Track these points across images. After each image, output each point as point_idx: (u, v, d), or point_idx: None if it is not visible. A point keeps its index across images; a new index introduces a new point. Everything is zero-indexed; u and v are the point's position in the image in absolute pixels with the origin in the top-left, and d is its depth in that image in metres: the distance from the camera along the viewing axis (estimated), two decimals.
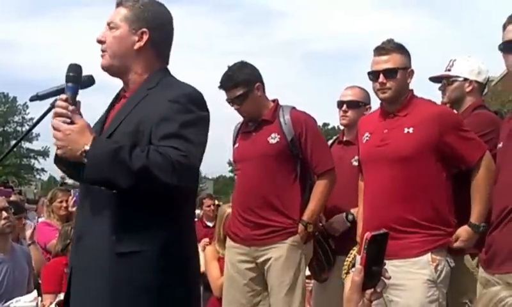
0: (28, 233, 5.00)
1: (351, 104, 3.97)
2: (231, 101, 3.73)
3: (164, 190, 2.14)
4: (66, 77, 2.26)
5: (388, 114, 3.21)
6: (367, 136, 3.27)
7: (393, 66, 3.15)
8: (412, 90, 3.24)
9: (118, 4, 2.39)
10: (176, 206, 2.26)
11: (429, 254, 3.00)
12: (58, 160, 2.37)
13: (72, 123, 2.16)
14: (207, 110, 2.32)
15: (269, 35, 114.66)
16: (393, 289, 2.96)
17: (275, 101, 3.83)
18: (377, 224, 3.00)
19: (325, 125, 58.75)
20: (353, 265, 3.40)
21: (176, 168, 2.09)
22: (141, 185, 2.10)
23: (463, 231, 3.07)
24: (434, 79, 3.58)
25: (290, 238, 3.62)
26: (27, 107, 61.70)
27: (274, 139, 3.68)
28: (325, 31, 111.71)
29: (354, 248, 3.48)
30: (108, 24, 2.37)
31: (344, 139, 4.07)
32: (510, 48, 2.68)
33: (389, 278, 1.52)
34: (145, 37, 2.34)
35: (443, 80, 3.52)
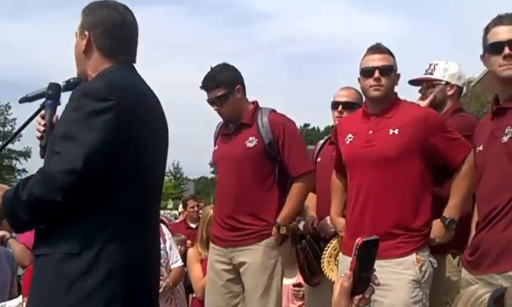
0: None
1: (347, 105, 3.94)
2: (211, 101, 3.77)
3: (57, 206, 2.11)
4: (46, 95, 2.44)
5: (371, 115, 3.22)
6: (350, 137, 3.27)
7: (389, 63, 3.19)
8: (396, 93, 3.28)
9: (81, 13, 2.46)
10: (92, 211, 2.18)
11: (414, 254, 3.02)
12: None
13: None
14: (109, 100, 2.16)
15: (253, 37, 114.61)
16: (377, 289, 2.98)
17: (255, 103, 3.87)
18: (362, 226, 3.06)
19: (306, 125, 58.97)
20: (335, 256, 3.45)
21: (58, 179, 2.10)
22: (35, 214, 2.18)
23: (434, 224, 3.11)
24: (414, 82, 3.62)
25: (264, 241, 3.65)
26: (9, 107, 61.03)
27: (251, 142, 3.70)
28: (307, 33, 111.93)
29: (334, 239, 3.53)
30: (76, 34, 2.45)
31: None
32: (496, 49, 2.68)
33: (378, 284, 1.54)
34: (85, 39, 2.38)
35: (423, 84, 3.57)
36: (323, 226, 3.82)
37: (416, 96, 3.65)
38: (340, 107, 3.93)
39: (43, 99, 2.39)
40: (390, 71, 3.18)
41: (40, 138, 2.43)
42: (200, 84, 3.79)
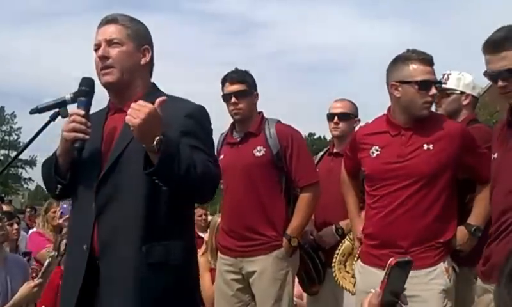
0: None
1: (342, 116, 4.04)
2: (231, 94, 3.78)
3: (205, 198, 2.45)
4: (78, 91, 2.33)
5: (401, 128, 3.11)
6: (376, 150, 3.15)
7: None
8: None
9: (112, 21, 2.44)
10: (189, 218, 2.43)
11: (442, 263, 3.00)
12: (56, 170, 2.39)
13: (83, 142, 2.29)
14: (211, 125, 2.46)
15: (252, 46, 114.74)
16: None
17: (260, 113, 3.90)
18: (391, 237, 3.03)
19: (311, 134, 58.88)
20: (344, 263, 3.42)
21: (214, 175, 2.30)
22: (198, 190, 2.25)
23: (458, 231, 3.08)
24: None
25: (275, 252, 3.66)
26: (14, 116, 61.49)
27: (259, 151, 3.72)
28: (308, 42, 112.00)
29: (341, 245, 3.51)
30: (109, 41, 2.40)
31: (334, 150, 4.11)
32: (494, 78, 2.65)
33: (406, 304, 1.54)
34: (148, 54, 2.47)
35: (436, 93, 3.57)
36: (323, 236, 3.85)
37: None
38: (335, 119, 4.04)
39: (53, 110, 2.39)
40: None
41: (77, 140, 2.30)
42: (224, 76, 3.85)
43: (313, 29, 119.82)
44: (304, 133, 23.06)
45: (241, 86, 3.79)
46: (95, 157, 2.35)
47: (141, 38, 2.45)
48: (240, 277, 3.75)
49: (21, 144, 48.98)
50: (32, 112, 2.42)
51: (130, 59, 2.40)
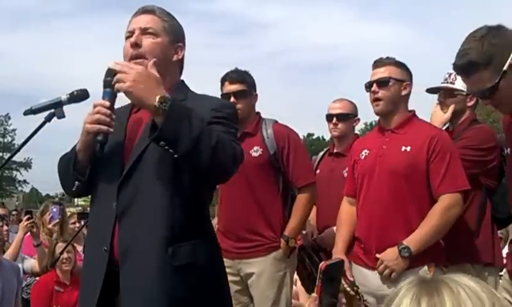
0: (10, 250, 4.95)
1: (341, 117, 4.05)
2: (230, 94, 3.74)
3: (226, 172, 2.18)
4: (103, 82, 2.19)
5: (385, 130, 3.25)
6: (365, 152, 3.29)
7: (387, 75, 3.19)
8: (413, 110, 3.28)
9: (149, 12, 2.36)
10: (208, 216, 2.34)
11: (426, 266, 3.02)
12: (75, 167, 2.28)
13: (106, 135, 2.16)
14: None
15: (252, 46, 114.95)
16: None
17: (258, 114, 3.88)
18: (369, 236, 3.12)
19: (309, 135, 58.99)
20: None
21: (236, 152, 2.15)
22: (213, 161, 2.04)
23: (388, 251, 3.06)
24: (433, 90, 3.60)
25: (272, 253, 3.64)
26: (9, 118, 61.32)
27: (256, 152, 3.70)
28: (307, 42, 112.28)
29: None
30: (144, 30, 2.31)
31: (335, 151, 4.11)
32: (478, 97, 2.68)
33: (344, 304, 1.60)
34: (181, 51, 2.40)
35: (441, 92, 3.55)
36: (324, 238, 3.85)
37: (430, 103, 3.65)
38: (334, 119, 4.05)
39: (48, 111, 2.32)
40: (386, 83, 3.19)
41: (100, 132, 2.16)
42: (223, 76, 3.82)
43: (313, 29, 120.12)
44: (303, 133, 23.16)
45: (240, 86, 3.77)
46: (117, 154, 2.24)
47: (176, 34, 2.38)
48: (238, 279, 3.72)
49: (15, 146, 48.85)
50: (26, 113, 2.34)
51: (163, 53, 2.30)
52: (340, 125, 4.04)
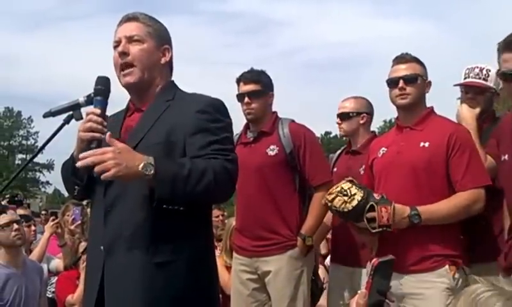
0: (36, 251, 5.06)
1: (342, 116, 4.09)
2: (245, 94, 3.80)
3: (226, 198, 2.34)
4: (94, 90, 2.27)
5: (403, 128, 3.27)
6: (383, 150, 3.31)
7: (414, 72, 3.21)
8: (431, 107, 3.29)
9: (133, 19, 2.43)
10: (203, 218, 2.36)
11: (447, 265, 3.01)
12: (73, 173, 2.37)
13: (99, 142, 2.19)
14: (230, 118, 2.40)
15: (269, 45, 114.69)
16: (410, 298, 2.99)
17: (274, 113, 3.91)
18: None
19: (327, 133, 58.75)
20: (343, 194, 3.12)
21: (231, 173, 2.23)
22: (210, 198, 2.22)
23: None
24: (463, 85, 3.53)
25: (289, 251, 3.67)
26: (31, 121, 62.15)
27: (273, 151, 3.73)
28: (323, 39, 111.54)
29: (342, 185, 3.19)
30: (129, 38, 2.38)
31: (351, 149, 4.11)
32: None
33: (393, 301, 1.56)
34: (168, 53, 2.47)
35: (462, 87, 3.51)
36: None
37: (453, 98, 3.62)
38: (338, 119, 4.10)
39: (67, 113, 2.38)
40: (415, 80, 3.21)
41: (93, 140, 2.21)
42: (238, 76, 3.86)
43: (328, 26, 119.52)
44: (321, 132, 23.01)
45: (255, 86, 3.80)
46: None
47: (161, 37, 2.45)
48: (256, 277, 3.75)
49: (38, 148, 49.37)
50: (46, 115, 2.41)
51: (151, 58, 2.39)
52: (343, 124, 4.06)
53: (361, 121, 4.04)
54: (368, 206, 2.94)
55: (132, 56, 2.35)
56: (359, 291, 1.54)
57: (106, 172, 2.05)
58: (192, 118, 2.26)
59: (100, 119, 2.23)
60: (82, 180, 2.38)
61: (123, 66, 2.36)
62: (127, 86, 2.41)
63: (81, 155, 2.11)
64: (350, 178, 3.13)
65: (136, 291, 2.18)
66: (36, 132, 61.62)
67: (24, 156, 60.06)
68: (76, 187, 2.41)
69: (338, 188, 3.06)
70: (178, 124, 2.25)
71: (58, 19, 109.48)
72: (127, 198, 2.24)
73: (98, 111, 2.25)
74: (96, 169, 2.06)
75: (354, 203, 2.96)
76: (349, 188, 3.02)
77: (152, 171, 2.05)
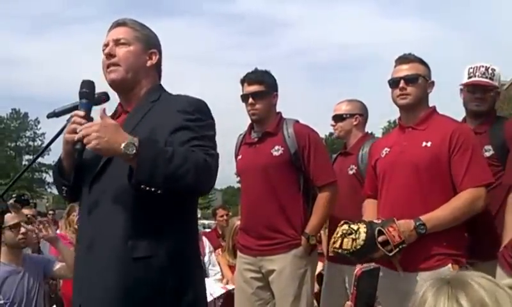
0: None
1: (336, 118, 4.20)
2: (249, 95, 3.82)
3: (205, 190, 2.32)
4: (79, 94, 2.33)
5: (406, 128, 3.27)
6: (385, 151, 3.31)
7: (415, 72, 3.21)
8: (434, 107, 3.28)
9: (121, 24, 2.49)
10: (185, 213, 2.36)
11: (450, 264, 3.00)
12: (60, 173, 2.45)
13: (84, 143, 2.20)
14: (212, 118, 2.42)
15: (273, 46, 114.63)
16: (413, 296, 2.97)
17: (279, 114, 3.93)
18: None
19: (331, 134, 58.69)
20: (347, 234, 3.08)
21: (211, 166, 2.21)
22: (189, 185, 2.15)
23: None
24: (470, 84, 3.54)
25: (293, 250, 3.69)
26: (38, 122, 62.49)
27: (277, 151, 3.75)
28: (329, 40, 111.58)
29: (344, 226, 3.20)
30: (116, 41, 2.44)
31: (344, 150, 4.21)
32: None
33: None
34: (155, 57, 2.52)
35: (475, 88, 3.50)
36: None
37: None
38: (332, 121, 4.22)
39: (70, 114, 2.39)
40: (415, 80, 3.20)
41: (78, 141, 2.22)
42: (242, 77, 3.88)
43: (333, 27, 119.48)
44: (325, 132, 22.85)
45: (259, 87, 3.81)
46: (95, 159, 2.34)
47: (148, 41, 2.50)
48: (260, 276, 3.77)
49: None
50: (50, 116, 2.45)
51: (136, 59, 2.44)
52: (337, 126, 4.19)
53: (355, 123, 4.12)
54: (376, 232, 2.92)
55: (118, 57, 2.42)
56: (346, 304, 1.51)
57: (89, 144, 2.12)
58: (174, 117, 2.30)
59: (83, 121, 2.26)
60: (69, 181, 2.45)
61: (109, 65, 2.43)
62: (112, 84, 2.45)
63: (78, 129, 2.18)
64: (343, 221, 3.08)
65: (113, 282, 2.20)
66: (43, 133, 62.00)
67: (31, 157, 60.29)
68: (64, 187, 2.48)
69: (340, 234, 3.03)
70: (160, 123, 2.29)
71: (66, 21, 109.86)
72: (108, 196, 2.28)
73: (82, 113, 2.29)
74: (85, 140, 2.13)
75: (363, 236, 2.91)
76: (349, 227, 2.99)
77: (134, 151, 2.08)
